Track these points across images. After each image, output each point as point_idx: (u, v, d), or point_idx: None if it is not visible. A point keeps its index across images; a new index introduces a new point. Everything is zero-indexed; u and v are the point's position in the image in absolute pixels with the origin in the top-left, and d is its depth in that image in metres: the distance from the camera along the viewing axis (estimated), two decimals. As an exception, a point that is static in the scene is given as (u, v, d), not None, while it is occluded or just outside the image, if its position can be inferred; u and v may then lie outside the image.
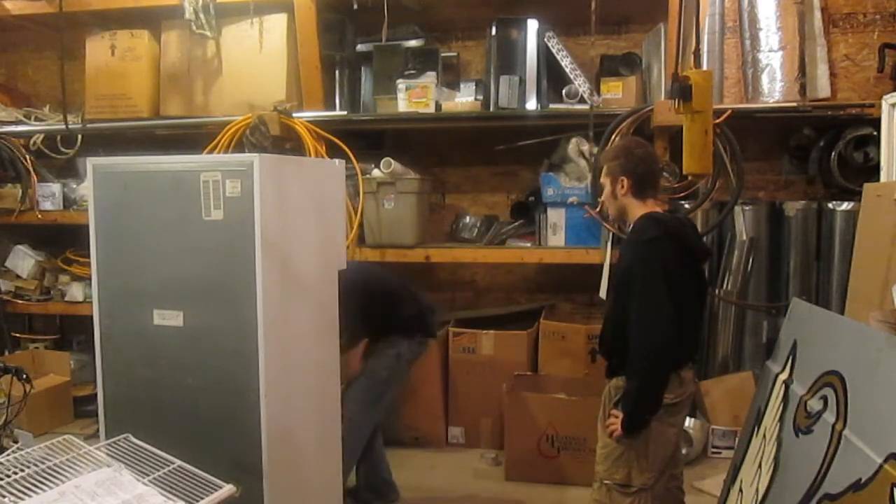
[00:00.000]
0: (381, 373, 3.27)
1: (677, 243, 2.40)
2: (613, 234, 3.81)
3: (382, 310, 3.30)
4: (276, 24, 4.27)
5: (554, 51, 4.09)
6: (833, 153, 4.03)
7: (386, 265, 4.28)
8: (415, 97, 4.07)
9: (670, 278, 2.33)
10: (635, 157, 2.50)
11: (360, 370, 3.27)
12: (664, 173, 3.69)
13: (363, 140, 4.43)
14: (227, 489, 1.93)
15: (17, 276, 4.87)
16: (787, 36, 4.02)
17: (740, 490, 2.63)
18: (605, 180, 2.55)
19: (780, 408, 2.47)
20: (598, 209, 3.76)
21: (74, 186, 4.72)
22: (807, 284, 4.04)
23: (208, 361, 2.40)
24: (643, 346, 2.32)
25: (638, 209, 2.48)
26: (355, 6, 4.14)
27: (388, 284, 3.46)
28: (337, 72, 4.54)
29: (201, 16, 4.17)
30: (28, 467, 1.84)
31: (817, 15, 4.02)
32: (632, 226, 2.50)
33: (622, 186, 2.48)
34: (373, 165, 4.17)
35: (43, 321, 5.25)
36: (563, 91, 4.07)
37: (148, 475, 1.92)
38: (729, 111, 3.68)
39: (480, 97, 4.31)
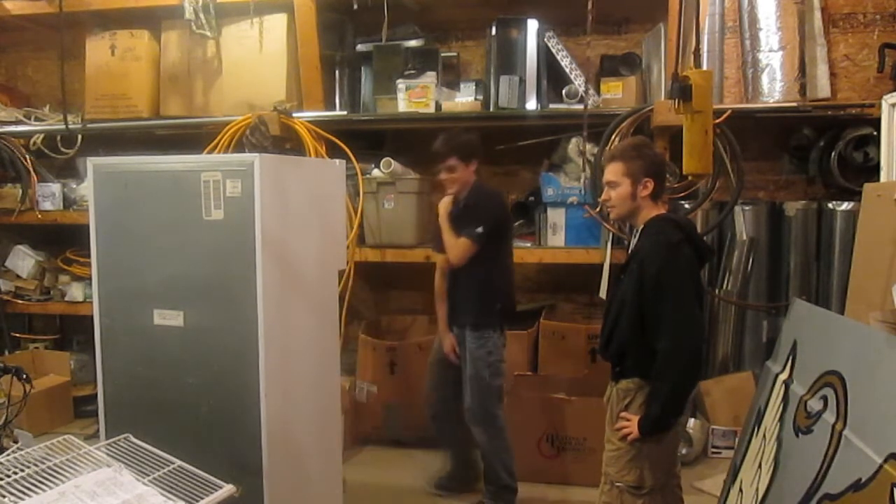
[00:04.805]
0: (483, 374, 3.28)
1: (692, 245, 2.41)
2: (613, 234, 3.80)
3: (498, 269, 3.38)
4: (276, 24, 4.27)
5: (554, 51, 4.10)
6: (833, 153, 4.02)
7: (386, 265, 4.28)
8: (415, 97, 4.07)
9: (696, 281, 2.36)
10: (653, 158, 2.47)
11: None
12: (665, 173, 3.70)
13: (363, 140, 4.43)
14: (227, 489, 1.93)
15: (17, 276, 4.87)
16: (787, 36, 4.02)
17: (740, 490, 2.63)
18: (620, 180, 2.42)
19: (780, 408, 2.47)
20: (598, 209, 3.75)
21: (74, 186, 4.73)
22: (807, 284, 4.03)
23: (208, 361, 2.40)
24: (680, 349, 2.29)
25: (650, 211, 2.45)
26: (355, 6, 4.14)
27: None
28: (337, 72, 4.54)
29: (201, 16, 4.17)
30: (28, 467, 1.84)
31: (817, 15, 4.02)
32: (645, 227, 2.45)
33: (645, 188, 2.41)
34: (373, 165, 4.17)
35: (43, 321, 5.25)
36: (563, 91, 4.08)
37: (148, 475, 1.92)
38: (729, 111, 3.68)
39: (480, 97, 4.31)
